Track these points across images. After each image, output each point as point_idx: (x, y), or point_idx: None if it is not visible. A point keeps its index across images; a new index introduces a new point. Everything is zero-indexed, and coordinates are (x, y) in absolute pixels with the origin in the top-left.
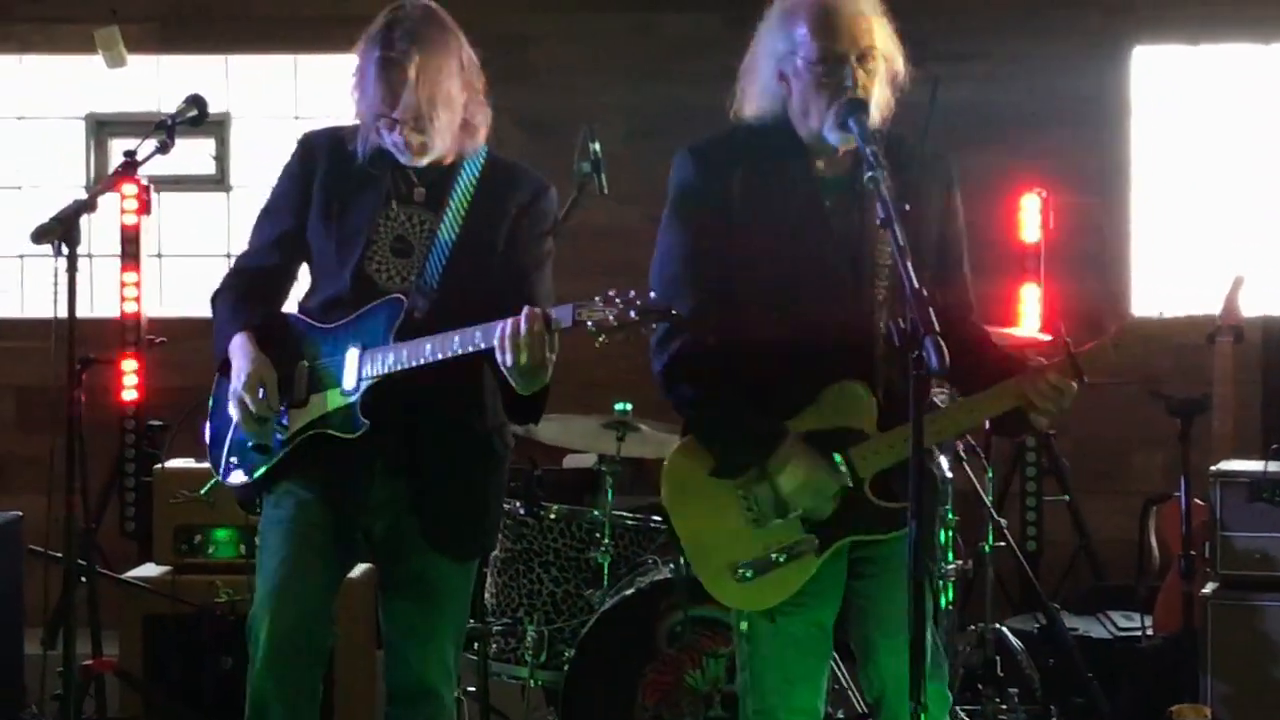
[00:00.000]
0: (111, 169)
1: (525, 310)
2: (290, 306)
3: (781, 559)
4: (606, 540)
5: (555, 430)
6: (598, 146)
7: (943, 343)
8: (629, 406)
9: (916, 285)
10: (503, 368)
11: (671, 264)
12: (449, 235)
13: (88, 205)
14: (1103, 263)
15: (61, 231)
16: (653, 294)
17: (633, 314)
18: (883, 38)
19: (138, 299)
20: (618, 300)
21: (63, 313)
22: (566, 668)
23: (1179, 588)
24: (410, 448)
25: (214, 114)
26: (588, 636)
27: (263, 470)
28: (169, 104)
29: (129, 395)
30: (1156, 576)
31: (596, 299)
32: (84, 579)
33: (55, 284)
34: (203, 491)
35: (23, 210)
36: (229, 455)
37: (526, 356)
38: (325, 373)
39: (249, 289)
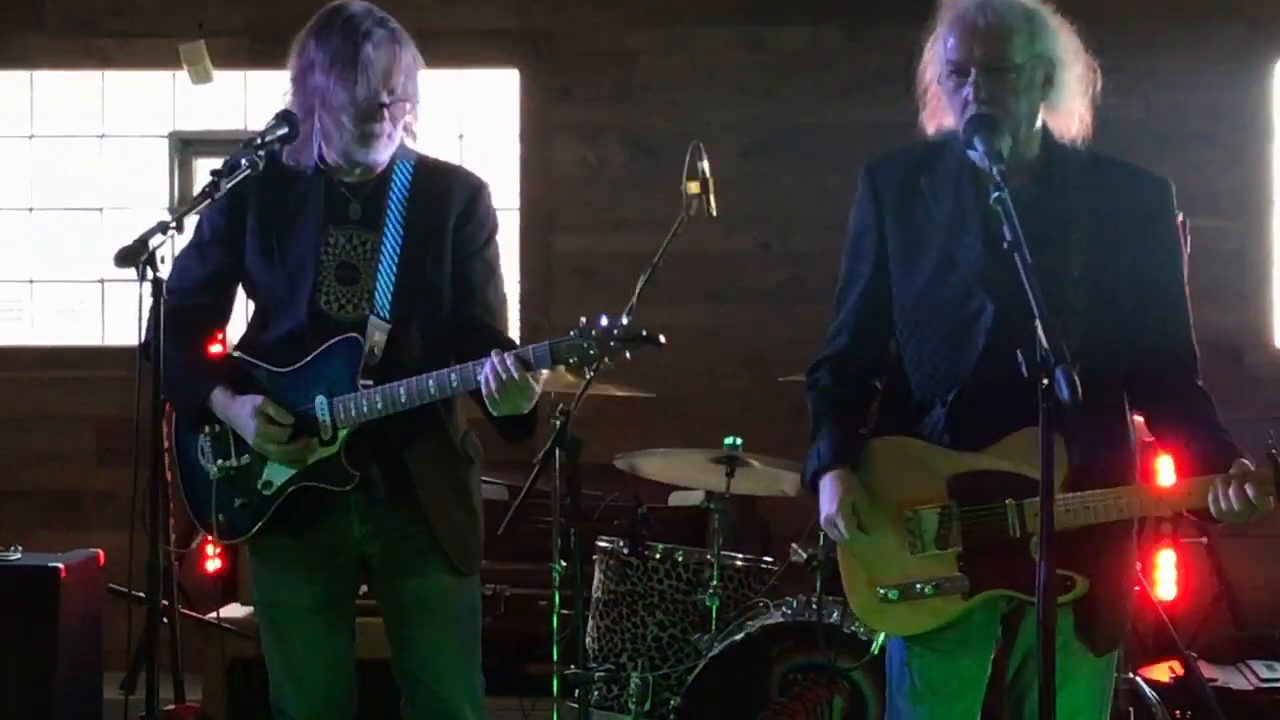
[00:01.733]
0: (197, 189)
1: (496, 357)
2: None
3: (927, 590)
4: (715, 582)
5: (661, 465)
6: (706, 166)
7: (1075, 375)
8: (739, 441)
9: (1045, 312)
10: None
11: (839, 290)
12: (392, 256)
13: (173, 227)
14: (1244, 292)
15: (145, 255)
16: (626, 318)
17: (612, 344)
18: (1045, 45)
19: None
20: (593, 331)
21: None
22: (672, 716)
23: None
24: (392, 474)
25: None
26: (695, 683)
27: (256, 529)
28: (256, 121)
29: None
30: None
31: (572, 332)
32: (166, 620)
33: (139, 310)
34: (192, 546)
35: (104, 233)
36: (218, 512)
37: (513, 402)
38: (299, 422)
39: (193, 333)
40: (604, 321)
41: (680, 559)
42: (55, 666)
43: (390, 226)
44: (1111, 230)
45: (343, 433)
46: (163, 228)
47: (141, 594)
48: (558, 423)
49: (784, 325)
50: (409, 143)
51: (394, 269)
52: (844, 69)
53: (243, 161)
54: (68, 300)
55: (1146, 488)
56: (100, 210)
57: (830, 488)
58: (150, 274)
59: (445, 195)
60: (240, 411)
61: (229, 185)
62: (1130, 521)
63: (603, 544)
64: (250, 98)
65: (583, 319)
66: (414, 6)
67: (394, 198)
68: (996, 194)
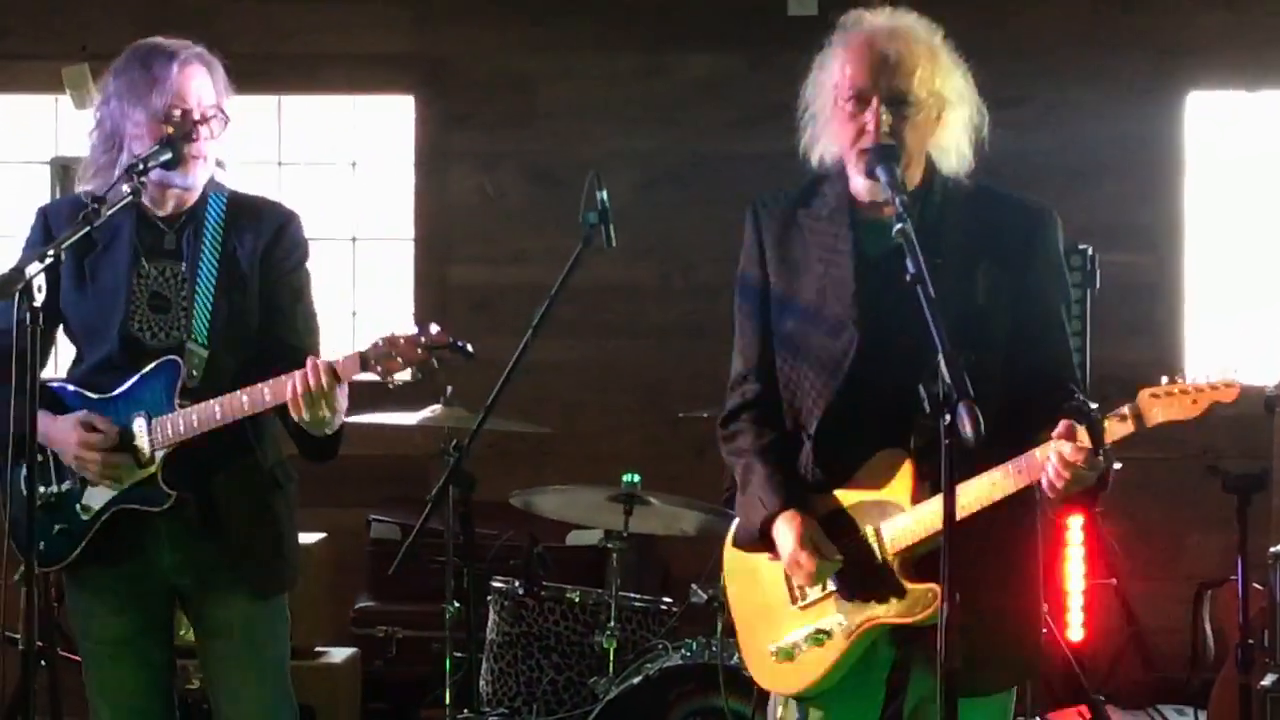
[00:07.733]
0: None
1: (309, 363)
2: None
3: (806, 644)
4: (612, 623)
5: (558, 503)
6: (605, 196)
7: (978, 410)
8: (638, 478)
9: (948, 346)
10: (296, 420)
11: (736, 331)
12: (208, 285)
13: (51, 256)
14: (1155, 325)
15: (22, 284)
16: (435, 327)
17: (419, 351)
18: (943, 83)
19: None
20: (402, 340)
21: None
22: None
23: (1235, 680)
24: (200, 498)
25: None
26: None
27: (74, 556)
28: None
29: None
30: (1211, 667)
31: (380, 341)
32: (44, 663)
33: (14, 341)
34: (16, 579)
35: None
36: (38, 540)
37: (316, 411)
38: (119, 442)
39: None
40: (415, 330)
41: (577, 600)
42: None
43: (205, 257)
44: (985, 259)
45: (160, 453)
46: (40, 256)
47: (17, 635)
48: (451, 459)
49: (685, 360)
50: (219, 176)
51: (210, 297)
52: (746, 99)
53: (124, 188)
54: None
55: (977, 481)
56: None
57: (786, 530)
58: (27, 303)
59: (254, 224)
60: (62, 426)
61: (110, 212)
62: (1021, 552)
63: (497, 584)
64: None
65: (393, 329)
66: (308, 30)
67: (208, 229)
68: (899, 225)
